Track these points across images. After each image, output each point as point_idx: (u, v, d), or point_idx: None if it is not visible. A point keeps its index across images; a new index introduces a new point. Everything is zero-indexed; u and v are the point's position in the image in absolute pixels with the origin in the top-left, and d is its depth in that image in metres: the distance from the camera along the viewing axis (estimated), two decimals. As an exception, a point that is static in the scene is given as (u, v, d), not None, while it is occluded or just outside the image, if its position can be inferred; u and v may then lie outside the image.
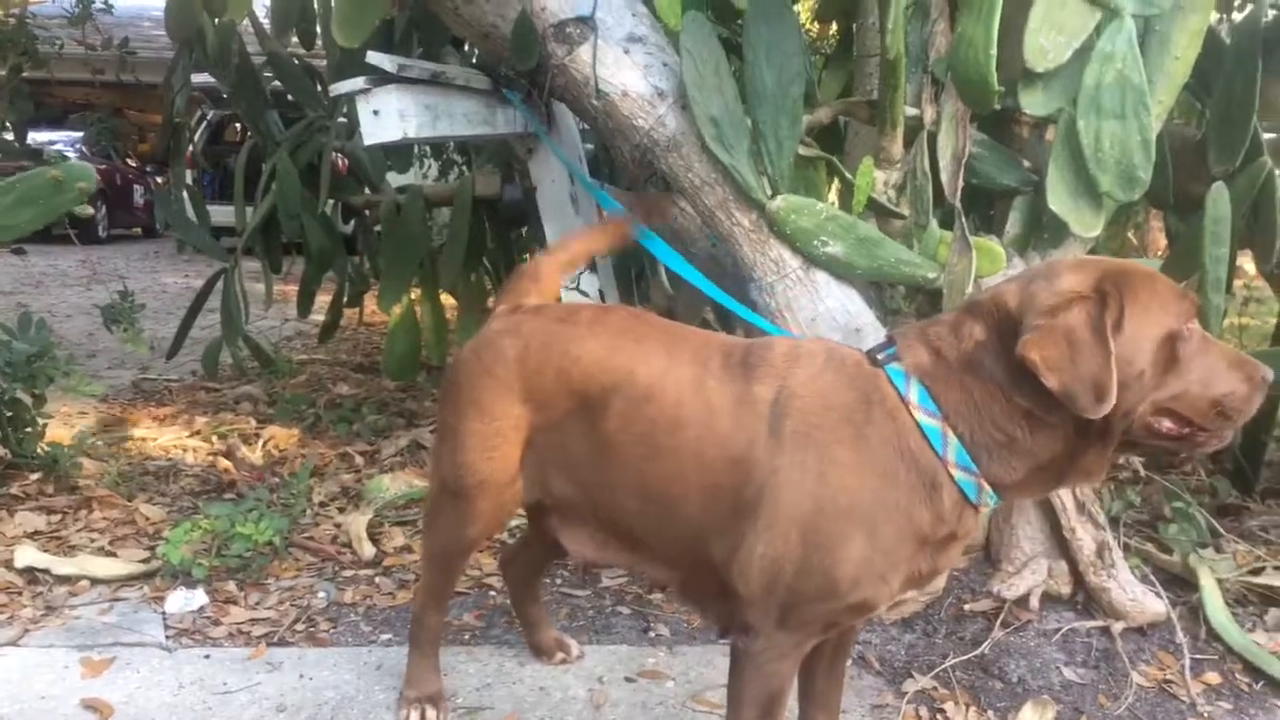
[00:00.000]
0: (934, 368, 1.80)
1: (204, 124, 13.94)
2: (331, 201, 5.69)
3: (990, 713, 2.59)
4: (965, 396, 1.77)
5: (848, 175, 3.02)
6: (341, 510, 3.73)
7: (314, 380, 5.75)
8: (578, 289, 3.68)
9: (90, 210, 3.69)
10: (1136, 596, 2.84)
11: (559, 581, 3.24)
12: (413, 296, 5.23)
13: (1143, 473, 3.30)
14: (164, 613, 2.93)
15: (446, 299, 5.47)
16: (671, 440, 1.95)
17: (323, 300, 6.11)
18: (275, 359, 5.89)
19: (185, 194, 6.30)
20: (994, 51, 2.60)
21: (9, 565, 3.14)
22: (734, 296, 2.95)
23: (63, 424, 4.54)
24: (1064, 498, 2.86)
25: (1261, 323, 4.86)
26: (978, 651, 2.75)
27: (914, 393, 1.79)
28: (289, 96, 5.82)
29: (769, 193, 2.86)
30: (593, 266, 3.87)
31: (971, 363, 1.77)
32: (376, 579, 3.22)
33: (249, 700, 2.50)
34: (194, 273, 10.92)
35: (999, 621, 2.83)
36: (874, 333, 2.81)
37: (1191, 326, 1.72)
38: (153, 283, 10.83)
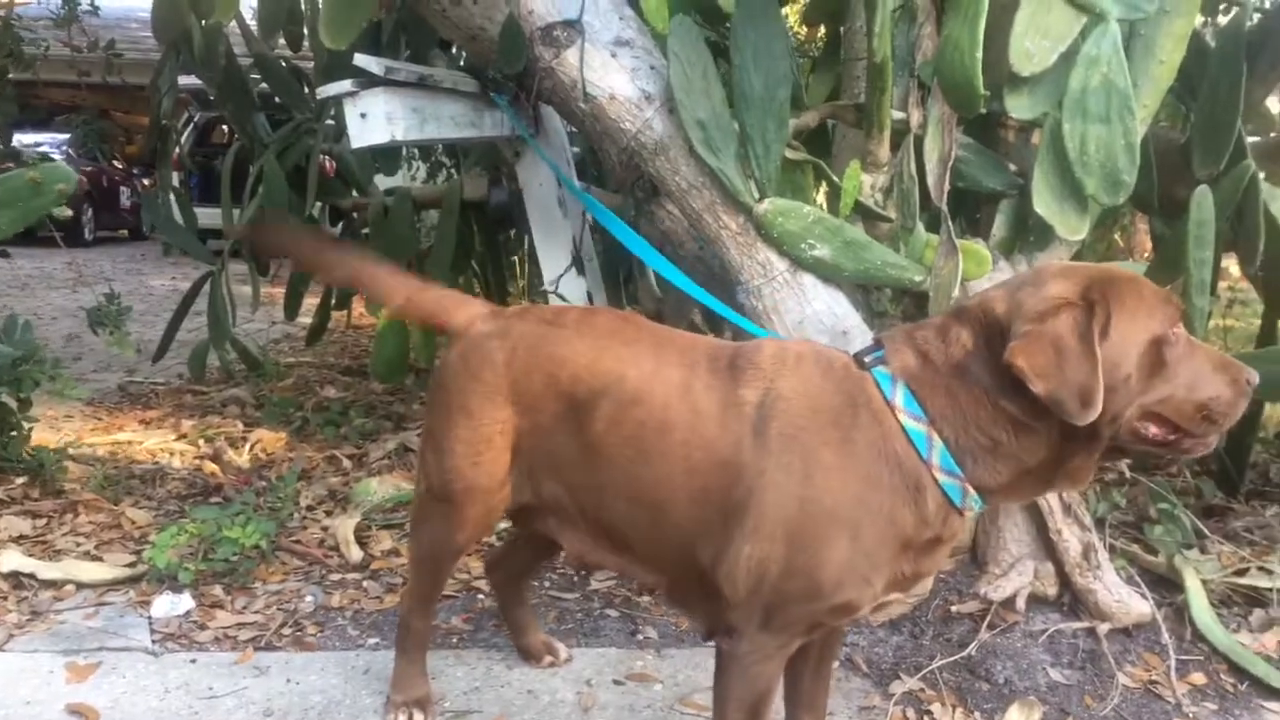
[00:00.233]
0: (920, 372, 1.81)
1: (191, 126, 13.90)
2: (319, 204, 5.69)
3: (977, 714, 2.60)
4: (951, 401, 1.78)
5: (835, 178, 3.03)
6: (329, 513, 3.72)
7: (301, 383, 5.73)
8: (557, 293, 3.68)
9: (69, 212, 3.67)
10: (1122, 598, 2.86)
11: (547, 584, 3.23)
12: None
13: (1128, 475, 3.32)
14: (150, 617, 2.92)
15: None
16: (659, 443, 1.96)
17: (310, 303, 6.10)
18: (262, 362, 5.87)
19: (172, 196, 6.28)
20: (980, 55, 2.61)
21: (-6, 570, 3.13)
22: (721, 299, 2.96)
23: (48, 427, 4.51)
24: (1050, 500, 2.87)
25: (1246, 325, 4.89)
26: (965, 653, 2.76)
27: (900, 396, 1.80)
28: (276, 99, 5.81)
29: (756, 196, 2.87)
30: (581, 268, 3.88)
31: (958, 368, 1.78)
32: (364, 582, 3.21)
33: (235, 705, 2.49)
34: (181, 275, 10.87)
35: (986, 623, 2.84)
36: (861, 335, 2.82)
37: (1177, 331, 1.73)
38: (139, 285, 10.79)
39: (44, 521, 3.57)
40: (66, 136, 13.25)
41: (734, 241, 2.92)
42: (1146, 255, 5.59)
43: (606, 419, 2.01)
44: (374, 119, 3.13)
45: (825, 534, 1.80)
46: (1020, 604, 2.88)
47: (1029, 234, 2.95)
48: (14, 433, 3.80)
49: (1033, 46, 2.66)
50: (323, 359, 6.40)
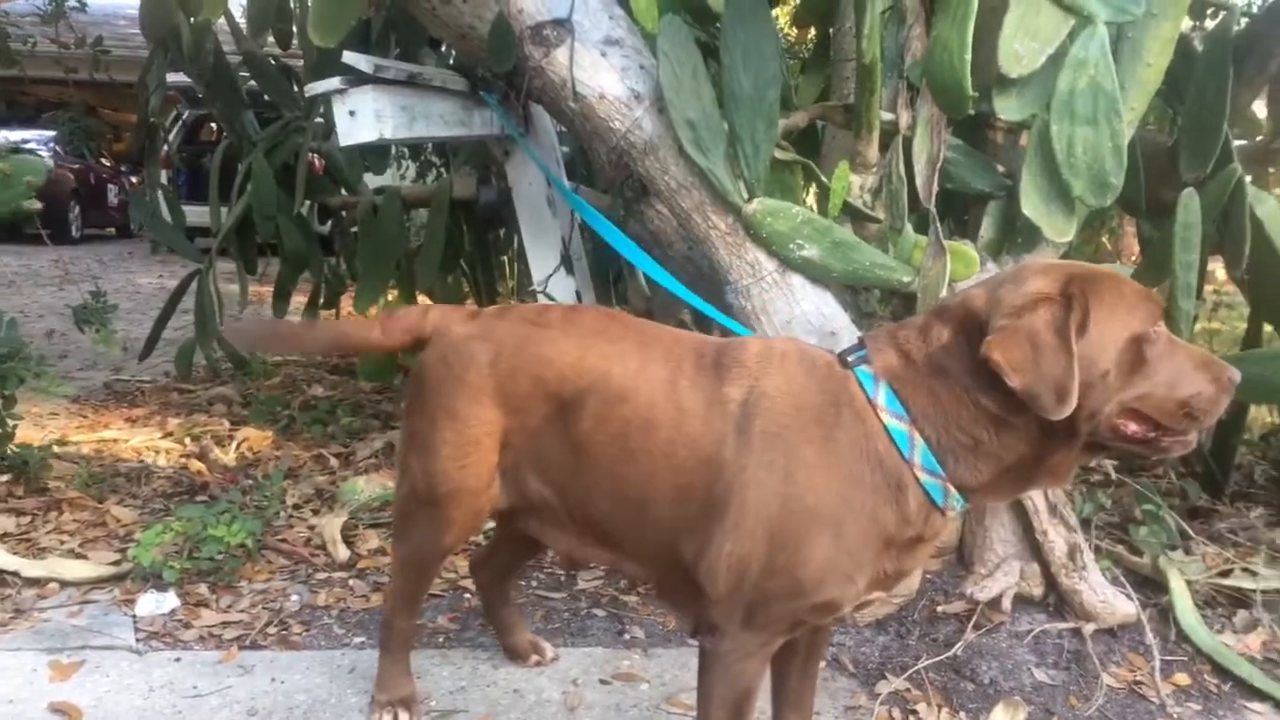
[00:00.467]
0: (902, 371, 1.81)
1: (179, 124, 13.85)
2: (307, 202, 5.68)
3: (962, 714, 2.60)
4: (932, 400, 1.78)
5: (824, 179, 3.03)
6: (315, 512, 3.71)
7: (289, 382, 5.71)
8: (546, 293, 3.68)
9: (38, 205, 3.64)
10: (1107, 598, 2.87)
11: (535, 584, 3.23)
12: (390, 298, 5.21)
13: (1114, 475, 3.33)
14: (134, 615, 2.90)
15: (423, 300, 5.45)
16: (644, 441, 1.96)
17: (298, 301, 6.08)
18: (249, 360, 5.85)
19: (160, 194, 6.26)
20: (968, 56, 2.62)
21: (-23, 568, 3.10)
22: (710, 299, 2.96)
23: (33, 425, 4.49)
24: (1036, 500, 2.88)
25: (1231, 328, 4.92)
26: (950, 653, 2.77)
27: (882, 395, 1.81)
28: (265, 97, 5.79)
29: (745, 196, 2.87)
30: (570, 268, 3.87)
31: (939, 366, 1.79)
32: (350, 581, 3.20)
33: (220, 704, 2.48)
34: (168, 273, 10.81)
35: (971, 623, 2.84)
36: (849, 336, 2.82)
37: (1157, 329, 1.73)
38: (126, 283, 10.74)
39: (28, 519, 3.54)
40: (54, 133, 13.22)
41: (723, 241, 2.93)
42: (1134, 258, 5.61)
43: (592, 417, 2.01)
44: (363, 117, 3.12)
45: (807, 532, 1.80)
46: (1006, 604, 2.88)
47: (1017, 235, 2.96)
48: (-1, 430, 3.78)
49: (1021, 48, 2.67)
50: (310, 358, 6.37)
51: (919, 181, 2.91)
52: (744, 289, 2.92)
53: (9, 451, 3.81)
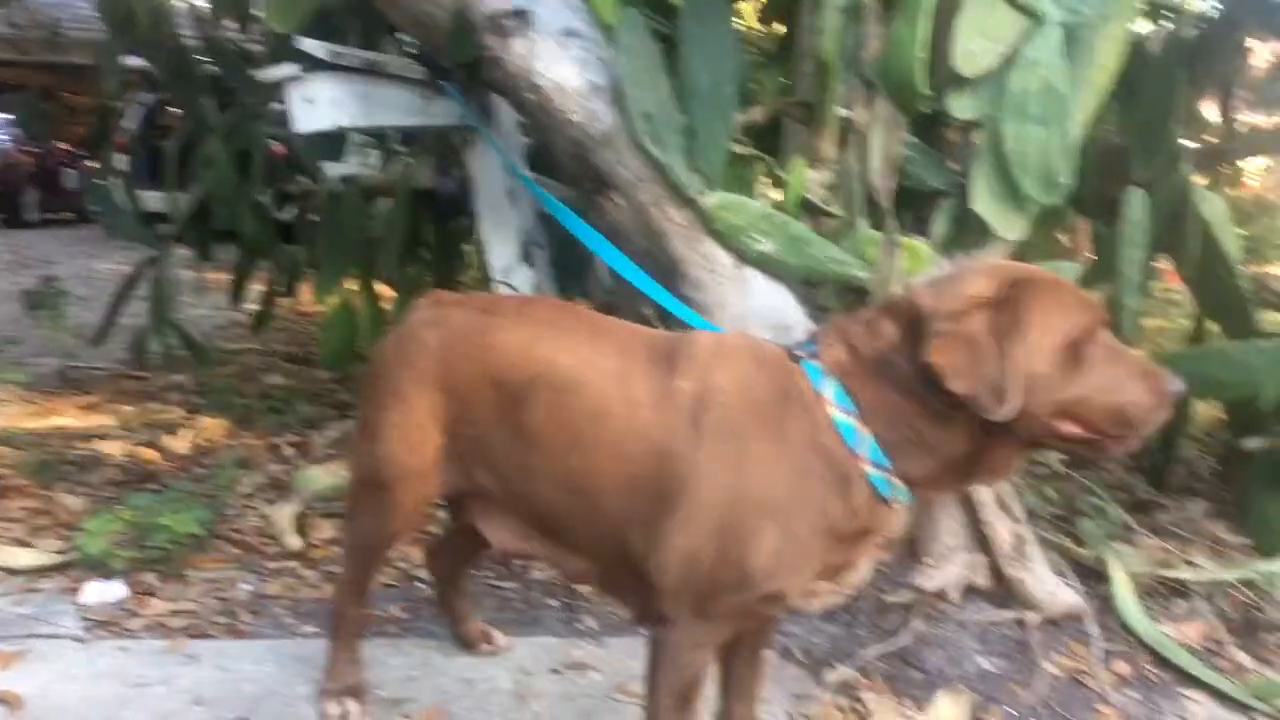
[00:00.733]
0: (850, 365, 1.84)
1: (139, 108, 13.64)
2: (268, 190, 5.62)
3: (907, 701, 2.65)
4: (879, 394, 1.81)
5: (781, 174, 3.06)
6: (269, 502, 3.68)
7: (245, 370, 5.66)
8: (507, 283, 3.68)
9: None
10: (1051, 589, 2.92)
11: (488, 574, 3.23)
12: (350, 287, 5.17)
13: (1060, 469, 3.39)
14: (80, 604, 2.87)
15: (384, 290, 5.41)
16: (594, 432, 1.97)
17: (256, 289, 6.02)
18: (206, 348, 5.78)
19: (116, 179, 6.17)
20: (921, 54, 2.66)
21: (-79, 555, 3.06)
22: (668, 292, 2.97)
23: (-18, 411, 4.42)
24: (983, 493, 2.92)
25: (1178, 326, 5.01)
26: (897, 642, 2.81)
27: (830, 389, 1.83)
28: (226, 82, 5.72)
29: (702, 190, 2.88)
30: (530, 259, 3.87)
31: (885, 362, 1.81)
32: (302, 571, 3.19)
33: (166, 693, 2.46)
34: (126, 259, 10.57)
35: (919, 613, 2.88)
36: (804, 330, 2.84)
37: (1096, 334, 1.75)
38: (83, 268, 10.56)
39: (-26, 507, 3.50)
40: (10, 117, 12.98)
41: (679, 235, 2.94)
42: (1087, 258, 5.68)
43: (541, 407, 2.02)
44: (319, 104, 3.11)
45: (756, 524, 1.82)
46: (952, 594, 2.93)
47: (969, 233, 2.99)
48: (-55, 416, 3.72)
49: (975, 48, 2.71)
50: (268, 346, 6.32)
51: (874, 178, 2.95)
52: (699, 282, 2.94)
53: (-44, 438, 3.75)
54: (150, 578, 3.03)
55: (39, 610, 2.83)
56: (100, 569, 3.02)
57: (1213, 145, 3.77)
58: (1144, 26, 3.65)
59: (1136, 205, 2.98)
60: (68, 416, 4.65)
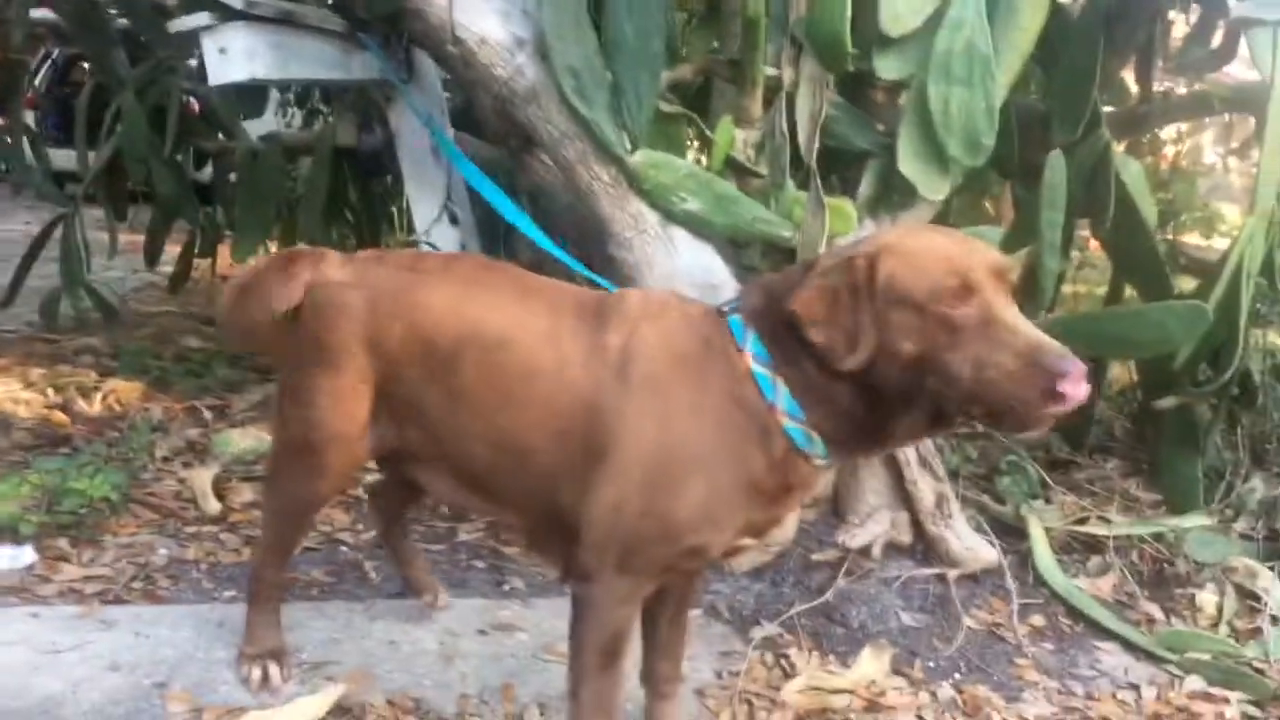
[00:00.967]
0: (766, 319, 1.85)
1: (49, 63, 13.13)
2: (185, 147, 5.45)
3: (832, 656, 2.69)
4: (788, 348, 1.81)
5: (708, 133, 3.04)
6: (186, 465, 3.59)
7: (161, 333, 5.49)
8: (429, 243, 3.62)
9: None
10: (971, 545, 2.99)
11: (415, 537, 3.19)
12: (271, 248, 5.05)
13: (980, 429, 3.45)
14: (-13, 570, 2.78)
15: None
16: (524, 388, 1.96)
17: (172, 251, 5.85)
18: (119, 310, 5.62)
19: (24, 136, 5.93)
20: (848, 14, 2.65)
21: None
22: (593, 251, 2.95)
23: (-119, 375, 4.24)
24: (907, 452, 2.97)
25: (1092, 290, 5.12)
26: (822, 599, 2.85)
27: (750, 342, 1.84)
28: (137, 34, 5.51)
29: (628, 147, 2.86)
30: (454, 219, 3.81)
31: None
32: (221, 535, 3.12)
33: (79, 659, 2.39)
34: (36, 220, 10.26)
35: (843, 570, 2.93)
36: (730, 289, 2.84)
37: (971, 302, 1.65)
38: (-10, 229, 10.17)
39: (-127, 473, 3.35)
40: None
41: (605, 193, 2.91)
42: (1010, 223, 5.77)
43: (471, 364, 2.00)
44: (233, 55, 3.00)
45: (679, 474, 1.83)
46: (876, 552, 2.98)
47: (894, 193, 3.01)
48: None
49: (901, 8, 2.72)
50: (186, 309, 6.14)
51: (801, 138, 2.94)
52: (626, 241, 2.92)
53: None
54: (62, 543, 2.94)
55: (-57, 578, 2.73)
56: (8, 534, 2.92)
57: (1132, 111, 3.83)
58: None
59: (1056, 168, 3.02)
60: (-26, 380, 4.47)
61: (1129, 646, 2.86)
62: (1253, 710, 2.63)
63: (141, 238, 5.75)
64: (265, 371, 4.77)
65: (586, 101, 2.81)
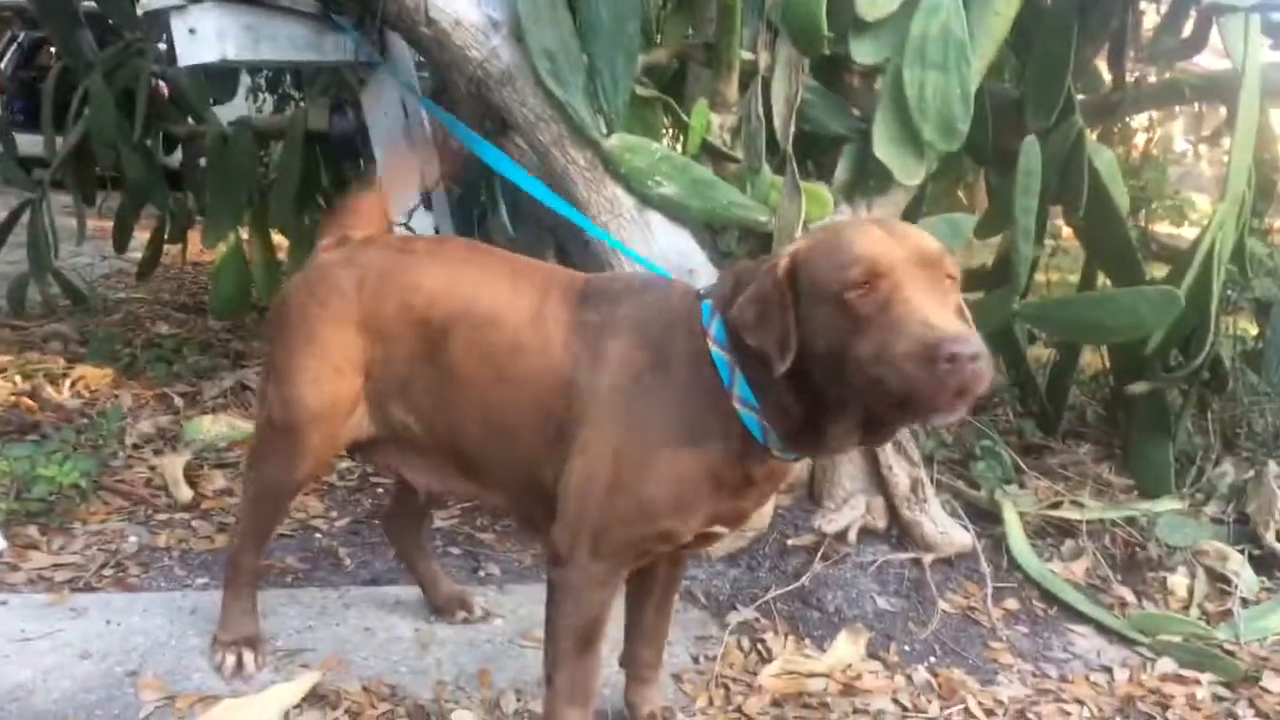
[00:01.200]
0: (730, 306, 1.83)
1: (14, 46, 12.92)
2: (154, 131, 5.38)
3: (808, 641, 2.69)
4: (744, 343, 1.78)
5: (684, 117, 3.03)
6: (158, 453, 3.55)
7: (131, 319, 5.43)
8: (408, 225, 3.58)
9: None
10: (946, 530, 3.00)
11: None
12: (242, 234, 4.99)
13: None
14: (-45, 559, 2.74)
15: (278, 237, 5.24)
16: (510, 365, 1.98)
17: (142, 237, 5.78)
18: (88, 296, 5.55)
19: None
20: (825, -2, 2.65)
21: None
22: (568, 236, 2.93)
23: None
24: (882, 436, 2.97)
25: (1064, 276, 5.15)
26: (798, 584, 2.85)
27: (714, 326, 1.83)
28: (105, 15, 5.43)
29: (604, 131, 2.84)
30: (428, 203, 3.77)
31: None
32: (193, 522, 3.09)
33: (49, 647, 2.36)
34: (2, 205, 10.13)
35: (819, 555, 2.93)
36: (707, 274, 2.83)
37: (870, 297, 1.59)
38: (-45, 215, 10.02)
39: None
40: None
41: (581, 177, 2.90)
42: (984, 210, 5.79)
43: (461, 343, 2.02)
44: (203, 35, 2.96)
45: (644, 453, 1.83)
46: (852, 536, 2.98)
47: (870, 178, 3.01)
48: None
49: (877, -8, 2.71)
50: (156, 295, 6.08)
51: (777, 122, 2.94)
52: (602, 225, 2.90)
53: None
54: (31, 530, 2.91)
55: (-92, 567, 2.69)
56: (-25, 522, 2.88)
57: (1104, 99, 3.85)
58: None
59: (1031, 155, 3.02)
60: (-61, 367, 4.40)
61: (1102, 629, 2.88)
62: (1223, 691, 2.66)
63: (110, 223, 5.68)
64: (237, 358, 4.73)
65: (562, 84, 2.79)
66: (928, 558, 2.96)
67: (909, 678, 2.60)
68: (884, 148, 2.84)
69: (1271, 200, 3.92)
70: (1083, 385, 4.46)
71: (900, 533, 3.03)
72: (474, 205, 4.61)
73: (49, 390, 4.04)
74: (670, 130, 4.06)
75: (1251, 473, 3.53)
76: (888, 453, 2.99)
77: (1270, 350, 3.90)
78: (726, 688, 2.50)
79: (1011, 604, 2.94)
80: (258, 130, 5.14)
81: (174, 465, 3.32)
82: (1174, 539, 3.20)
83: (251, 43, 3.08)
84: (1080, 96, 3.46)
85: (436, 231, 3.75)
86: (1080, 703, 2.57)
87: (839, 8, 2.76)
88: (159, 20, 4.35)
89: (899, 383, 1.53)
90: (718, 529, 1.97)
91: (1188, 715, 2.55)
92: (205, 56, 3.01)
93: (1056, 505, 3.36)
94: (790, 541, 3.00)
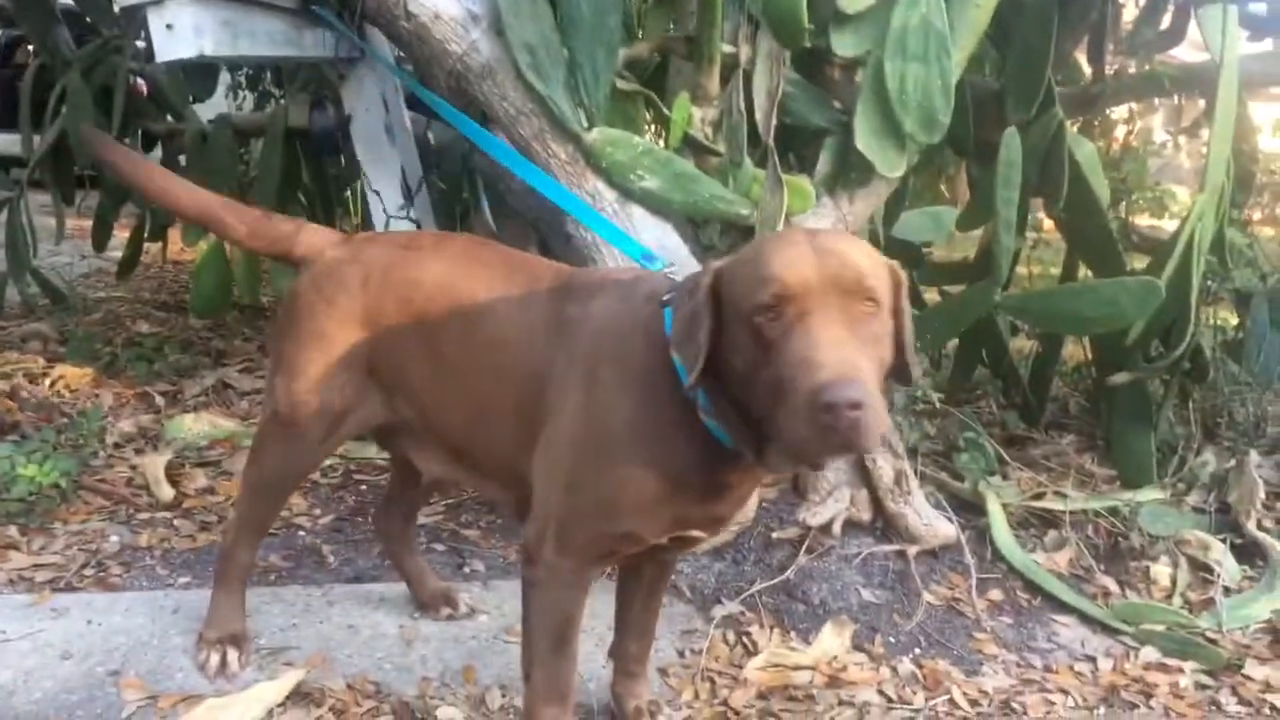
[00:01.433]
0: None
1: (-9, 44, 12.80)
2: (133, 129, 5.33)
3: (793, 633, 2.70)
4: None
5: (665, 110, 3.02)
6: (139, 452, 3.53)
7: (111, 318, 5.39)
8: (409, 218, 3.57)
9: None
10: (930, 521, 3.01)
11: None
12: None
13: (938, 405, 3.47)
14: (-67, 560, 2.71)
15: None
16: (494, 359, 2.00)
17: (121, 236, 5.74)
18: (68, 295, 5.51)
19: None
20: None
21: None
22: (549, 230, 2.92)
23: None
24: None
25: (1045, 270, 5.17)
26: (783, 577, 2.85)
27: None
28: (82, 12, 5.38)
29: (585, 125, 2.83)
30: (410, 199, 3.76)
31: None
32: (175, 521, 3.07)
33: (30, 648, 2.34)
34: (-20, 206, 10.05)
35: (804, 548, 2.93)
36: (690, 268, 2.83)
37: (777, 322, 1.54)
38: (-68, 216, 9.92)
39: None
40: None
41: (562, 171, 2.88)
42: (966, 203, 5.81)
43: (455, 337, 2.05)
44: (180, 31, 2.93)
45: (602, 450, 1.81)
46: (836, 529, 2.99)
47: (851, 170, 3.01)
48: None
49: (858, -17, 2.71)
50: (137, 294, 6.04)
51: (758, 116, 2.94)
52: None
53: None
54: (11, 530, 2.88)
55: (-115, 569, 2.66)
56: (-47, 524, 2.86)
57: (1084, 91, 3.86)
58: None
59: (1012, 146, 3.03)
60: (-83, 367, 4.36)
61: (1085, 619, 2.90)
62: (1206, 679, 2.67)
63: (89, 222, 5.64)
64: (218, 356, 4.71)
65: (543, 78, 2.78)
66: (912, 549, 2.97)
67: (894, 669, 2.61)
68: (865, 140, 2.83)
69: (1250, 191, 3.93)
70: (1065, 376, 4.48)
71: (885, 525, 3.03)
72: (456, 201, 4.61)
73: (28, 389, 4.00)
74: (652, 124, 4.07)
75: (1233, 462, 3.55)
76: (871, 445, 2.99)
77: (1250, 340, 3.92)
78: (712, 681, 2.50)
79: (996, 595, 2.95)
80: (238, 127, 5.12)
81: (155, 464, 3.30)
82: (1156, 529, 3.21)
83: (230, 38, 3.05)
84: (1060, 89, 3.46)
85: (418, 226, 3.73)
86: (1064, 692, 2.58)
87: (819, 1, 2.76)
88: (136, 16, 4.33)
89: (782, 424, 1.50)
90: (693, 533, 1.93)
91: (1171, 704, 2.56)
92: (183, 53, 2.98)
93: (1040, 496, 3.37)
94: (775, 535, 3.00)
